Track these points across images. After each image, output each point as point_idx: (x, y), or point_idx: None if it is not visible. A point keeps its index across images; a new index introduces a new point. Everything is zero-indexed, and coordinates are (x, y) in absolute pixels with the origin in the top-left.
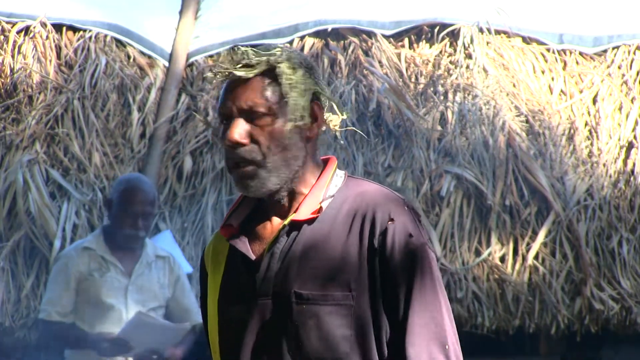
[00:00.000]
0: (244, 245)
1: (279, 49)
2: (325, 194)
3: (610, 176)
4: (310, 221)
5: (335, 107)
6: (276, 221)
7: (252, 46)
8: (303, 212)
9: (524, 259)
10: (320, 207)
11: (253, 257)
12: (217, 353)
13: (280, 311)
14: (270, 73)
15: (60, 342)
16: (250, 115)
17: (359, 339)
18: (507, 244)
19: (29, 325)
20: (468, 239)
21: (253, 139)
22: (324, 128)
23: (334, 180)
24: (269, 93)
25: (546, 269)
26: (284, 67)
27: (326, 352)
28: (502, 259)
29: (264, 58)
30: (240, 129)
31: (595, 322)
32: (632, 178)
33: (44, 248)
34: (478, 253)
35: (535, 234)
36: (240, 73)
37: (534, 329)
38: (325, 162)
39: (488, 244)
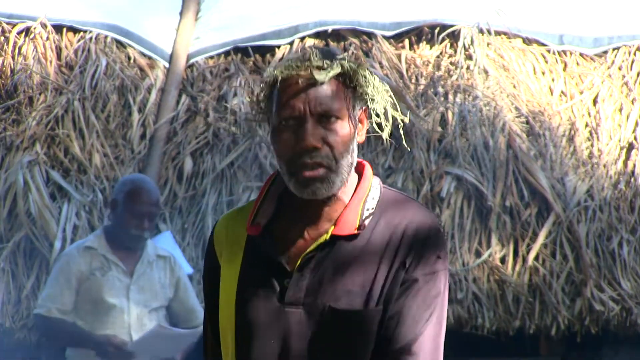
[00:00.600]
0: (274, 249)
1: (355, 56)
2: (364, 209)
3: (611, 177)
4: (349, 237)
5: (382, 115)
6: (310, 227)
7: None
8: (344, 227)
9: (524, 260)
10: (363, 225)
11: (286, 265)
12: (230, 350)
13: (311, 323)
14: (343, 77)
15: (61, 339)
16: (323, 119)
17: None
18: (507, 245)
19: (29, 326)
20: (468, 240)
21: (326, 143)
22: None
23: (372, 192)
24: (343, 97)
25: (546, 270)
26: (362, 73)
27: None
28: (503, 260)
29: (338, 62)
30: (316, 133)
31: (596, 323)
32: (632, 179)
33: (44, 249)
34: (478, 254)
35: (535, 235)
36: (319, 76)
37: (534, 329)
38: (360, 168)
39: (488, 245)
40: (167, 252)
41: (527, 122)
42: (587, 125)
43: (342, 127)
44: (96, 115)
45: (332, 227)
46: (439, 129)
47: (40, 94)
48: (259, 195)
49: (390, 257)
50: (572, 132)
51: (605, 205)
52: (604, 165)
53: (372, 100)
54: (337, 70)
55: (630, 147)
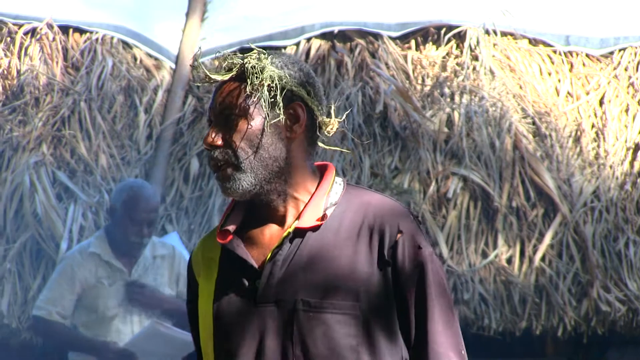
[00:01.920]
0: (242, 251)
1: (257, 52)
2: (327, 202)
3: (617, 178)
4: (314, 229)
5: (317, 109)
6: (274, 227)
7: (268, 47)
8: (306, 219)
9: (531, 260)
10: (325, 215)
11: (254, 263)
12: (211, 358)
13: (286, 318)
14: (243, 75)
15: (60, 344)
16: (225, 118)
17: (367, 349)
18: (513, 245)
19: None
20: (475, 241)
21: (226, 141)
22: (319, 130)
23: (334, 187)
24: (239, 94)
25: (553, 271)
26: (250, 68)
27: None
28: (509, 260)
29: (238, 61)
30: (214, 132)
31: (602, 323)
32: (638, 180)
33: (51, 250)
34: (485, 255)
35: (541, 235)
36: (215, 77)
37: (540, 330)
38: (323, 168)
39: (495, 246)
40: (167, 248)
41: (534, 123)
42: (593, 126)
43: (243, 124)
44: (102, 116)
45: (296, 221)
46: (445, 129)
47: (46, 94)
48: (229, 204)
49: (365, 251)
50: (579, 133)
51: (612, 206)
52: (610, 166)
53: (268, 92)
54: (235, 70)
55: (637, 147)
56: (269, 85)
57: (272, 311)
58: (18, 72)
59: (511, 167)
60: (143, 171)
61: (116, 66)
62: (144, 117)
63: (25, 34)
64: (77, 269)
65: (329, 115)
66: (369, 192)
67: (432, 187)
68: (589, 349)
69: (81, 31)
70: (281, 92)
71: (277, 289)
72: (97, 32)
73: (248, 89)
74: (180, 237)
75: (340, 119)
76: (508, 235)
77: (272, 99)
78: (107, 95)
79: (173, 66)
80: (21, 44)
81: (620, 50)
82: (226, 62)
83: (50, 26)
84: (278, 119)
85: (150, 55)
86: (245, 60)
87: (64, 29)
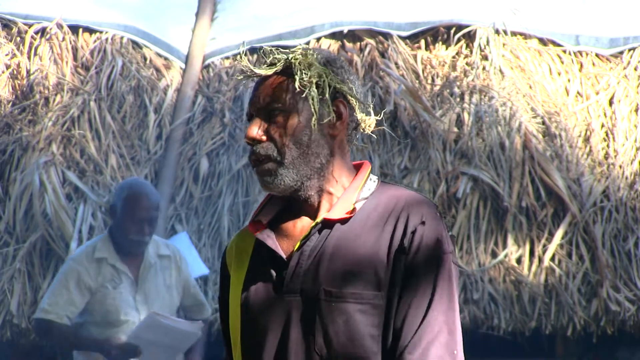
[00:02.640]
0: (272, 241)
1: (300, 48)
2: (359, 196)
3: (627, 178)
4: (343, 221)
5: (357, 105)
6: (306, 221)
7: (281, 47)
8: (336, 212)
9: (540, 260)
10: (354, 208)
11: (282, 253)
12: (239, 350)
13: (309, 308)
14: (288, 71)
15: (65, 345)
16: (268, 113)
17: (388, 339)
18: (523, 245)
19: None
20: (484, 241)
21: (270, 136)
22: (356, 128)
23: (368, 184)
24: (284, 90)
25: (562, 271)
26: (297, 64)
27: (354, 350)
28: (519, 260)
29: (283, 56)
30: (257, 126)
31: (612, 323)
32: None
33: (60, 250)
34: (494, 255)
35: (551, 235)
36: (259, 71)
37: (550, 330)
38: (358, 167)
39: (504, 246)
40: (169, 249)
41: (543, 123)
42: (603, 125)
43: (288, 120)
44: (112, 115)
45: (325, 213)
46: (455, 129)
47: (56, 94)
48: (265, 197)
49: (387, 240)
50: (588, 132)
51: (621, 205)
52: (620, 166)
53: (315, 89)
54: (280, 65)
55: None
56: (316, 82)
57: (297, 301)
58: (28, 71)
59: (521, 166)
60: (153, 171)
61: (126, 66)
62: (153, 117)
63: (35, 33)
64: (82, 273)
65: (367, 112)
66: (401, 188)
67: (442, 187)
68: (599, 348)
69: (91, 31)
70: (328, 89)
71: (303, 279)
72: (107, 32)
73: (296, 85)
74: (190, 237)
75: (379, 116)
76: (518, 235)
77: (320, 96)
78: (116, 95)
79: (183, 66)
80: (31, 43)
81: (630, 50)
82: (269, 57)
83: (60, 26)
84: (328, 117)
85: (160, 55)
86: (291, 55)
87: (74, 29)
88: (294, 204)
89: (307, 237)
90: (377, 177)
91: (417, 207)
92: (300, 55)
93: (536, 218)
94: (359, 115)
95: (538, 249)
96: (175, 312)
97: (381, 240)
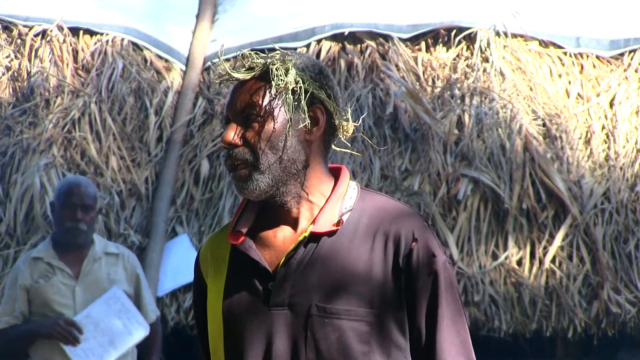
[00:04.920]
0: (255, 252)
1: (280, 52)
2: (342, 206)
3: (627, 179)
4: (329, 234)
5: (336, 112)
6: (287, 230)
7: (267, 50)
8: (322, 224)
9: (541, 262)
10: (341, 220)
11: (267, 265)
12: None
13: (298, 322)
14: (266, 76)
15: (13, 347)
16: (245, 118)
17: (379, 355)
18: (524, 247)
19: None
20: (485, 243)
21: (246, 141)
22: (334, 134)
23: (349, 192)
24: (261, 95)
25: (563, 273)
26: (274, 69)
27: None
28: (519, 262)
29: (261, 61)
30: (233, 131)
31: (612, 325)
32: None
33: None
34: (495, 257)
35: (552, 237)
36: (237, 75)
37: (551, 332)
38: (336, 171)
39: (505, 248)
40: (119, 249)
41: (544, 125)
42: (603, 127)
43: (264, 125)
44: (113, 118)
45: (311, 226)
46: (456, 131)
47: (56, 96)
48: (240, 204)
49: (380, 258)
50: (589, 134)
51: (622, 207)
52: (621, 168)
53: (291, 95)
54: (258, 70)
55: None
56: (292, 88)
57: (284, 315)
58: (28, 74)
59: (521, 168)
60: (153, 173)
61: (126, 68)
62: (154, 119)
63: (36, 35)
64: (19, 276)
65: (344, 118)
66: (382, 197)
67: (443, 189)
68: (600, 350)
69: (91, 33)
70: (304, 95)
71: (291, 292)
72: (107, 34)
73: (272, 90)
74: (191, 239)
75: (357, 123)
76: (518, 237)
77: (296, 102)
78: (117, 97)
79: (183, 68)
80: (31, 45)
81: (630, 51)
82: (248, 61)
83: (60, 28)
84: (302, 123)
85: (160, 57)
86: (269, 60)
87: (74, 31)
88: (270, 210)
89: (294, 250)
90: (355, 183)
91: (405, 221)
92: (278, 61)
93: (537, 220)
94: (337, 121)
95: (539, 251)
96: None
97: (374, 258)
